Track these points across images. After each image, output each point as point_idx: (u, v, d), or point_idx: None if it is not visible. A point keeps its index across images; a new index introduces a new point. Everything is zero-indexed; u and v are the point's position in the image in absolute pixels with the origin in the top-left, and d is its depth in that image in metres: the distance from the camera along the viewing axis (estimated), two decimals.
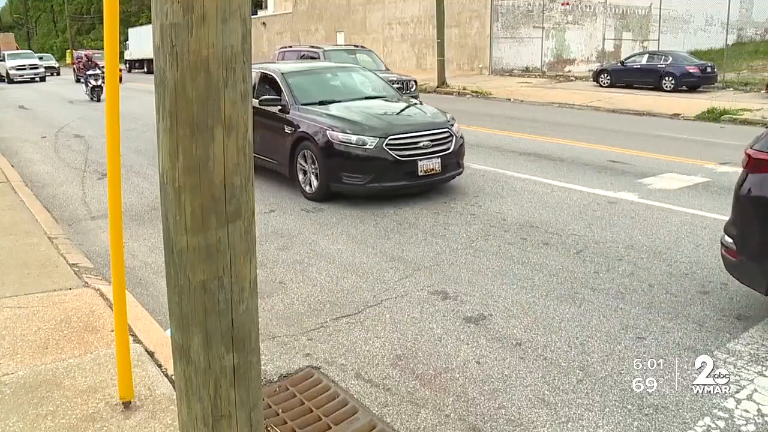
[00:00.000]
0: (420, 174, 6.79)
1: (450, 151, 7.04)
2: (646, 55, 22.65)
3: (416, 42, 32.35)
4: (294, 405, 3.11)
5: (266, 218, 6.45)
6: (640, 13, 32.06)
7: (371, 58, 16.21)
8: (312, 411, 3.05)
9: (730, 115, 14.50)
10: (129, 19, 56.15)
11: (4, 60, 35.17)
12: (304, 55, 15.76)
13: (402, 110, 7.80)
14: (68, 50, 56.03)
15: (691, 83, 20.29)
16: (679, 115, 15.35)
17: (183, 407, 1.94)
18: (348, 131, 6.76)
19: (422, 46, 31.76)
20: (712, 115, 14.68)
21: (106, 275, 4.70)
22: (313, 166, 7.03)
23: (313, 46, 16.97)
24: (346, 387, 3.30)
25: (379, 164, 6.65)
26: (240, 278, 1.83)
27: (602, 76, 23.12)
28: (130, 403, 2.89)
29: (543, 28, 28.26)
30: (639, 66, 21.96)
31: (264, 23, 44.82)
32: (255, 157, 8.09)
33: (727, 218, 4.10)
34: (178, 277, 1.81)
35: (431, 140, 6.91)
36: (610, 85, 22.30)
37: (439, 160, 6.89)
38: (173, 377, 2.41)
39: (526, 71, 28.06)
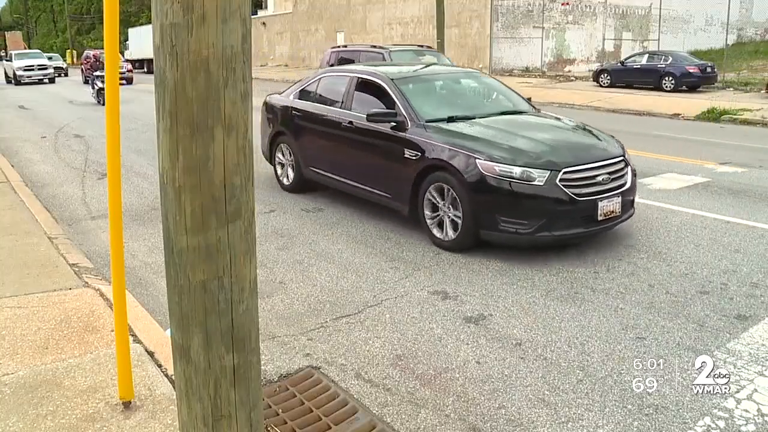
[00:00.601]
0: (599, 218, 5.16)
1: (627, 186, 5.46)
2: (646, 55, 22.66)
3: (416, 42, 32.31)
4: (294, 405, 3.11)
5: (266, 218, 6.45)
6: (640, 13, 32.06)
7: (440, 61, 13.28)
8: (312, 411, 3.05)
9: (730, 115, 14.51)
10: (129, 19, 56.17)
11: (11, 60, 33.17)
12: (362, 57, 13.33)
13: (562, 131, 6.05)
14: (68, 50, 55.98)
15: (691, 83, 20.31)
16: (679, 115, 15.36)
17: (183, 407, 1.94)
18: (506, 161, 5.07)
19: None
20: (712, 115, 14.69)
21: (106, 275, 4.70)
22: (450, 206, 5.35)
23: (374, 46, 14.49)
24: (346, 387, 3.30)
25: (551, 206, 5.01)
26: (240, 278, 1.83)
27: (602, 76, 23.13)
28: (130, 403, 2.89)
29: (543, 28, 28.26)
30: (639, 66, 21.97)
31: (264, 23, 44.82)
32: (353, 185, 6.49)
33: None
34: (178, 277, 1.81)
35: (609, 173, 5.31)
36: (610, 85, 22.31)
37: (619, 199, 5.29)
38: (173, 377, 2.41)
39: (526, 71, 28.07)
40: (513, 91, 7.09)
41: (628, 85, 21.77)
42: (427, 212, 5.56)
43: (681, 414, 3.05)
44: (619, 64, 23.44)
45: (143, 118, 14.02)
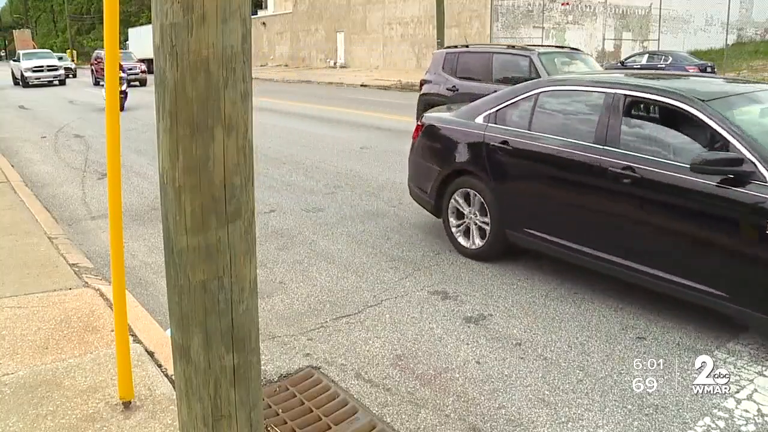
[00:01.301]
0: None
1: None
2: (646, 55, 22.71)
3: (416, 42, 32.35)
4: (294, 405, 3.11)
5: (266, 218, 6.45)
6: (640, 13, 32.08)
7: (588, 66, 10.75)
8: (312, 411, 3.05)
9: None
10: (129, 19, 56.21)
11: (19, 60, 30.04)
12: (495, 61, 10.28)
13: None
14: (68, 50, 56.00)
15: None
16: None
17: (183, 407, 1.94)
18: None
19: (422, 46, 31.76)
20: None
21: (106, 275, 4.70)
22: None
23: (512, 47, 11.01)
24: (346, 387, 3.30)
25: None
26: (240, 278, 1.83)
27: None
28: (130, 403, 2.89)
29: (543, 28, 28.28)
30: (639, 66, 21.99)
31: (264, 23, 44.86)
32: (633, 269, 4.05)
33: None
34: (178, 277, 1.81)
35: None
36: None
37: None
38: (173, 377, 2.41)
39: None
40: None
41: None
42: None
43: (681, 414, 3.05)
44: (619, 64, 23.45)
45: (143, 118, 14.03)
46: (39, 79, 28.79)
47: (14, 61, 31.78)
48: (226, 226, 1.76)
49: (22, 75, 28.91)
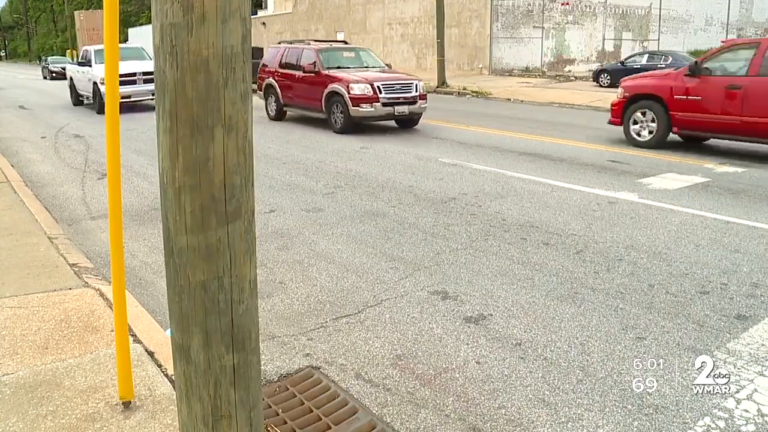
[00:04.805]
0: None
1: None
2: (646, 55, 22.73)
3: (416, 42, 32.35)
4: (294, 405, 3.11)
5: (266, 218, 6.45)
6: (640, 13, 32.09)
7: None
8: (312, 411, 3.05)
9: None
10: (129, 19, 56.22)
11: (89, 63, 17.14)
12: None
13: None
14: (68, 50, 55.99)
15: None
16: None
17: (183, 407, 1.94)
18: None
19: (422, 46, 31.77)
20: None
21: (106, 275, 4.70)
22: None
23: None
24: (346, 387, 3.30)
25: None
26: (240, 278, 1.83)
27: (602, 76, 23.16)
28: (130, 403, 2.89)
29: (543, 28, 28.29)
30: (639, 66, 21.99)
31: (264, 23, 44.84)
32: None
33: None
34: (178, 277, 1.81)
35: None
36: (610, 85, 22.33)
37: None
38: (173, 377, 2.41)
39: (526, 71, 28.08)
40: None
41: None
42: None
43: (681, 414, 3.04)
44: (619, 64, 23.48)
45: (143, 118, 14.02)
46: (130, 96, 15.93)
47: (80, 64, 18.12)
48: (226, 226, 1.76)
49: (95, 89, 16.43)
